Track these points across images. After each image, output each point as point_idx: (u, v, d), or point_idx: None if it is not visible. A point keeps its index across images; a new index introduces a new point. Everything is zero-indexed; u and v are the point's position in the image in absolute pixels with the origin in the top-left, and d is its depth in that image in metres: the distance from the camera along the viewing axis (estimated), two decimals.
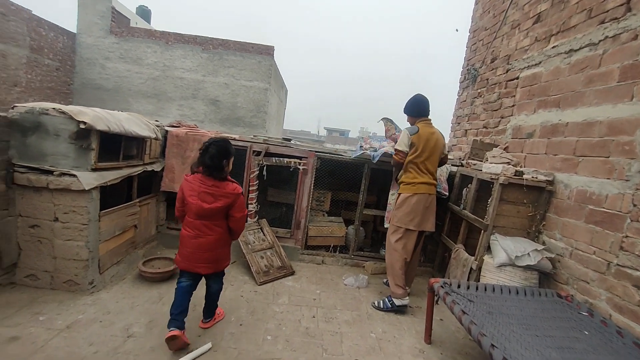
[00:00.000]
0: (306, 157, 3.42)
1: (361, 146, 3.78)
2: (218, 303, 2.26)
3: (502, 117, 3.59)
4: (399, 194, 2.77)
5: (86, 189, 2.20)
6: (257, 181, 3.43)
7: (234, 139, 3.42)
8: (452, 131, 4.89)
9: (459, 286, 2.17)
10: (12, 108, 2.19)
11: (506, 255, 2.41)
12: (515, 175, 2.62)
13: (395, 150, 2.74)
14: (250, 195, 3.43)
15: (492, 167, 2.83)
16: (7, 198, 2.25)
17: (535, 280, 2.40)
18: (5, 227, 2.24)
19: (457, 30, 6.14)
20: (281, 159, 3.41)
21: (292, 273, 3.13)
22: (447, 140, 5.09)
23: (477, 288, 2.18)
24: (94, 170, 2.32)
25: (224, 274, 2.22)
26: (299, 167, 3.37)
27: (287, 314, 2.44)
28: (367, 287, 3.05)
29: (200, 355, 1.90)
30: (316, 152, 3.44)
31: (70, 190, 2.23)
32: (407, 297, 2.67)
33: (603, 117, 2.28)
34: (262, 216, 3.59)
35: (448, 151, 2.93)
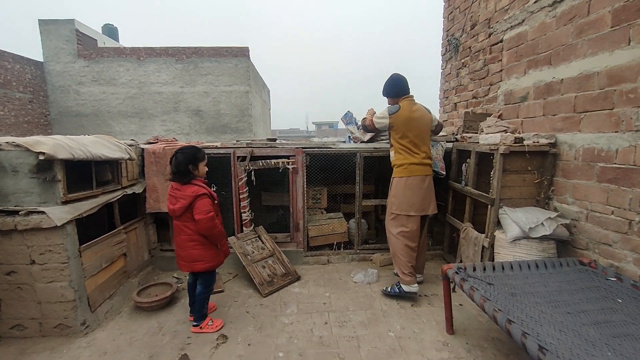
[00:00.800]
0: (294, 155, 3.24)
1: (349, 136, 3.62)
2: (220, 316, 2.31)
3: (491, 84, 3.43)
4: (393, 178, 2.63)
5: (58, 224, 2.01)
6: (247, 187, 3.25)
7: (215, 147, 3.23)
8: (440, 106, 4.73)
9: (474, 269, 2.03)
10: None
11: (519, 228, 2.27)
12: (515, 142, 2.47)
13: (372, 119, 2.66)
14: (242, 203, 3.25)
15: (490, 137, 2.68)
16: None
17: (553, 250, 2.27)
18: None
19: None
20: (268, 161, 3.22)
21: (298, 278, 2.98)
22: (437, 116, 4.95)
23: (494, 268, 2.04)
24: (65, 202, 2.12)
25: (208, 279, 2.25)
26: (287, 166, 3.19)
27: (298, 324, 2.29)
28: (378, 282, 2.91)
29: None
30: (303, 148, 3.26)
31: (41, 229, 2.03)
32: (417, 285, 2.56)
33: (600, 67, 2.13)
34: (258, 223, 3.42)
35: (439, 121, 2.80)
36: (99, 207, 2.38)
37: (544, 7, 2.63)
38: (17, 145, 1.96)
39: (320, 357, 1.94)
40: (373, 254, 3.37)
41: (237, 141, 3.52)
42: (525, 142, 2.46)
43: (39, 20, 11.86)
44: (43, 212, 2.01)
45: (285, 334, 2.18)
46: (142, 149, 3.06)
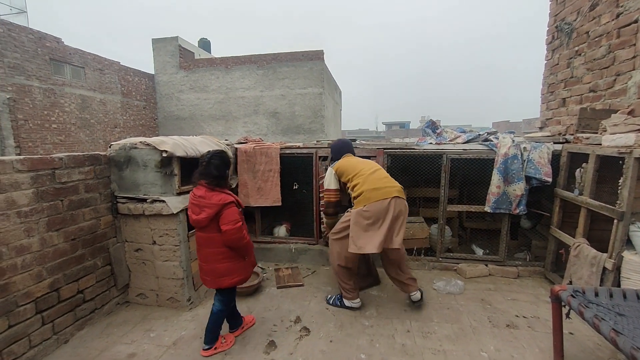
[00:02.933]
0: (374, 156, 3.19)
1: (436, 131, 3.41)
2: (301, 309, 2.21)
3: (618, 75, 2.85)
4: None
5: (174, 212, 2.34)
6: None
7: (298, 147, 3.38)
8: (543, 102, 4.12)
9: (596, 294, 1.71)
10: (109, 147, 2.46)
11: None
12: None
13: (325, 190, 2.52)
14: (322, 202, 3.33)
15: (618, 138, 2.23)
16: (114, 227, 2.53)
17: None
18: (116, 252, 2.52)
19: None
20: None
21: (378, 282, 2.93)
22: (539, 115, 4.34)
23: (625, 296, 1.68)
24: (179, 194, 2.47)
25: (229, 296, 2.03)
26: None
27: (378, 328, 2.25)
28: (463, 294, 2.68)
29: None
30: (385, 149, 3.19)
31: (161, 215, 2.40)
32: (359, 300, 2.46)
33: None
34: None
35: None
36: None
37: None
38: (147, 145, 2.35)
39: None
40: (457, 263, 3.12)
41: (317, 141, 3.63)
42: None
43: (152, 39, 14.08)
44: (163, 201, 2.37)
45: (365, 336, 2.16)
46: (236, 149, 3.37)
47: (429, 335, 2.15)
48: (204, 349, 2.00)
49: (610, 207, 2.17)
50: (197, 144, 2.60)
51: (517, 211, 2.83)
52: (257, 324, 2.33)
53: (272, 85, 13.96)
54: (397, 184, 2.32)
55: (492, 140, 3.01)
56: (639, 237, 1.99)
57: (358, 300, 2.48)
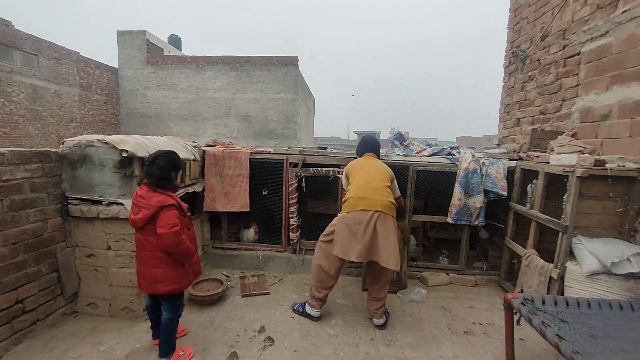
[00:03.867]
0: (344, 165, 3.24)
1: (404, 144, 3.53)
2: (266, 319, 2.15)
3: (564, 100, 3.16)
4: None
5: None
6: (297, 193, 3.32)
7: (269, 152, 3.35)
8: (501, 121, 4.45)
9: (543, 302, 1.84)
10: (62, 143, 2.27)
11: (597, 262, 2.04)
12: (595, 165, 2.24)
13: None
14: (291, 209, 3.32)
15: (563, 157, 2.45)
16: (64, 230, 2.33)
17: None
18: (65, 257, 2.32)
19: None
20: (319, 168, 3.26)
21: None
22: (496, 132, 4.67)
23: (567, 303, 1.83)
24: None
25: (175, 304, 1.91)
26: (338, 175, 3.20)
27: (343, 337, 2.25)
28: (425, 302, 2.77)
29: None
30: (354, 158, 3.25)
31: (118, 219, 2.25)
32: (319, 311, 2.44)
33: None
34: (303, 229, 3.46)
35: (399, 196, 2.58)
36: None
37: (636, 17, 2.38)
38: (106, 143, 2.20)
39: None
40: (421, 272, 3.23)
41: (288, 147, 3.61)
42: (607, 166, 2.22)
43: (117, 31, 13.35)
44: (121, 204, 2.23)
45: (330, 345, 2.16)
46: (204, 151, 3.26)
47: (392, 343, 2.20)
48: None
49: (556, 220, 2.37)
50: (161, 145, 2.48)
51: (477, 222, 3.00)
52: (219, 334, 2.24)
53: (245, 88, 13.76)
54: (387, 198, 2.24)
55: (454, 155, 3.18)
56: (579, 249, 2.18)
57: (319, 311, 2.44)
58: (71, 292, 2.38)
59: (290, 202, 3.31)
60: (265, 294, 2.83)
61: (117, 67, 13.61)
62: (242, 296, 2.78)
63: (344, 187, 2.56)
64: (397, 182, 2.83)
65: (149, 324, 2.23)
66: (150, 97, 13.89)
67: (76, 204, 2.29)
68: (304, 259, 3.31)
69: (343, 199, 2.38)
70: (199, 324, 2.36)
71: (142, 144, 2.30)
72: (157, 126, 13.85)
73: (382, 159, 3.17)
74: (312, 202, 4.12)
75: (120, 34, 13.39)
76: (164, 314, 1.90)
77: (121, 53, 13.52)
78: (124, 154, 2.16)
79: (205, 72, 13.64)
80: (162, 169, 1.81)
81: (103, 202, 2.25)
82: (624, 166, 2.22)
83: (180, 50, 18.96)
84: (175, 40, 19.07)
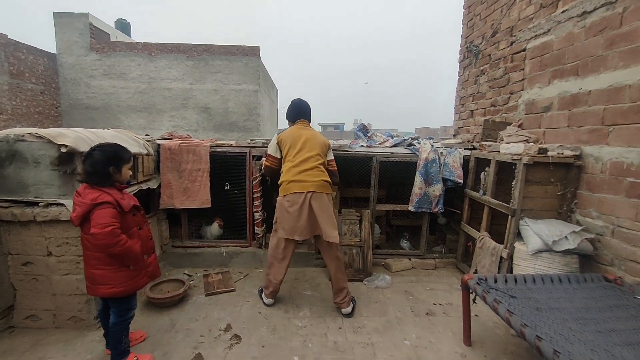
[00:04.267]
0: None
1: (367, 135, 3.58)
2: (231, 317, 2.10)
3: (512, 93, 3.39)
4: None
5: None
6: (261, 187, 3.23)
7: (230, 145, 3.22)
8: (456, 113, 4.69)
9: (495, 281, 1.99)
10: None
11: (541, 241, 2.23)
12: (539, 153, 2.43)
13: (267, 155, 2.54)
14: (255, 203, 3.23)
15: (511, 146, 2.64)
16: None
17: (576, 265, 2.22)
18: None
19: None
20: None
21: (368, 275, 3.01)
22: (451, 123, 4.91)
23: (515, 280, 1.99)
24: None
25: (121, 307, 1.80)
26: None
27: (311, 328, 2.26)
28: (390, 288, 2.87)
29: None
30: None
31: (60, 221, 2.02)
32: (272, 301, 2.53)
33: (633, 80, 2.09)
34: (269, 224, 3.39)
35: (333, 161, 2.60)
36: None
37: (572, 17, 2.59)
38: (40, 137, 1.95)
39: None
40: (385, 259, 3.33)
41: (251, 140, 3.50)
42: (549, 153, 2.42)
43: (54, 12, 11.99)
44: (62, 205, 2.01)
45: (299, 337, 2.15)
46: (158, 145, 3.05)
47: (359, 330, 2.24)
48: None
49: (506, 205, 2.55)
50: (107, 138, 2.25)
51: (436, 210, 3.15)
52: (182, 336, 2.13)
53: (203, 78, 13.08)
54: (319, 177, 2.33)
55: (415, 145, 3.29)
56: (525, 230, 2.38)
57: (272, 300, 2.54)
58: (5, 305, 2.11)
59: (255, 195, 3.22)
60: (231, 290, 2.74)
61: (55, 53, 12.22)
62: (206, 295, 2.66)
63: (271, 152, 2.47)
64: (360, 172, 2.83)
65: (102, 332, 2.06)
66: (96, 87, 12.69)
67: (6, 207, 2.02)
68: None
69: (281, 179, 2.40)
70: (158, 327, 2.22)
71: (85, 138, 2.08)
72: (105, 119, 12.74)
73: (346, 151, 3.19)
74: (277, 195, 4.05)
75: (58, 15, 12.01)
76: (111, 317, 1.80)
77: (60, 38, 12.15)
78: (63, 150, 1.93)
79: (158, 61, 12.74)
80: (96, 164, 1.66)
81: (40, 204, 2.01)
82: (562, 153, 2.44)
83: (130, 36, 17.50)
84: (123, 25, 17.53)
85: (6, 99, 10.41)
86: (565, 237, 2.17)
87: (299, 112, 2.55)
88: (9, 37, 10.39)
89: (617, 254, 2.12)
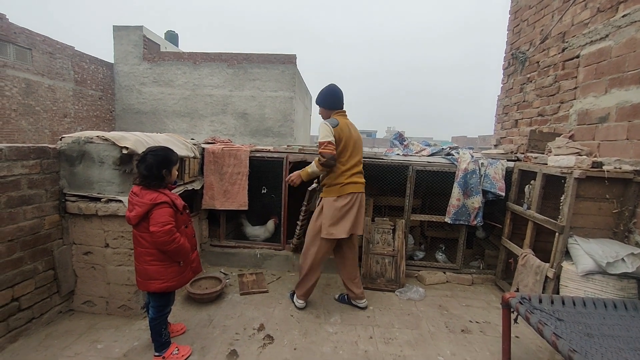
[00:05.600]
0: None
1: (403, 143, 3.55)
2: (265, 317, 2.16)
3: (562, 102, 3.19)
4: (321, 198, 2.49)
5: None
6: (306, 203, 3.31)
7: (269, 151, 3.34)
8: (498, 122, 4.49)
9: (540, 301, 1.87)
10: (60, 139, 2.25)
11: (593, 262, 2.07)
12: (592, 167, 2.27)
13: (322, 143, 2.31)
14: (302, 212, 3.31)
15: (561, 159, 2.48)
16: (61, 227, 2.30)
17: (634, 290, 2.03)
18: (61, 255, 2.29)
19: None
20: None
21: (402, 286, 3.00)
22: (492, 132, 4.70)
23: (563, 302, 1.86)
24: None
25: (161, 302, 1.90)
26: None
27: (342, 335, 2.27)
28: (423, 300, 2.79)
29: None
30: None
31: (117, 216, 2.23)
32: (303, 302, 2.60)
33: None
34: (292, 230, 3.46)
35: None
36: None
37: (636, 21, 2.40)
38: (106, 140, 2.18)
39: None
40: (419, 271, 3.25)
41: (288, 146, 3.61)
42: (605, 167, 2.25)
43: (113, 26, 13.20)
44: (120, 201, 2.21)
45: (330, 343, 2.17)
46: (203, 149, 3.25)
47: (391, 342, 2.21)
48: (155, 356, 1.91)
49: (553, 221, 2.40)
50: (161, 142, 2.46)
51: (475, 222, 3.03)
52: (218, 332, 2.23)
53: (242, 85, 13.68)
54: (363, 179, 2.52)
55: (453, 155, 3.20)
56: (575, 249, 2.22)
57: (303, 302, 2.60)
58: (67, 290, 2.36)
59: (303, 205, 3.30)
60: (264, 292, 2.83)
61: (112, 62, 13.45)
62: (241, 294, 2.77)
63: (332, 141, 2.31)
64: (396, 181, 2.81)
65: (146, 322, 2.22)
66: (146, 93, 13.76)
67: (74, 201, 2.26)
68: None
69: (329, 181, 2.42)
70: (197, 322, 2.35)
71: (142, 141, 2.28)
72: (152, 122, 13.74)
73: (382, 159, 3.19)
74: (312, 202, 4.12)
75: (117, 29, 13.25)
76: (150, 311, 1.91)
77: (117, 49, 13.37)
78: (124, 151, 2.14)
79: (202, 69, 13.55)
80: (151, 168, 1.78)
81: (102, 199, 2.23)
82: (620, 168, 2.25)
83: (177, 47, 18.80)
84: (172, 36, 18.90)
85: (70, 103, 11.61)
86: (622, 259, 1.99)
87: (338, 100, 2.49)
88: (75, 48, 11.61)
89: None
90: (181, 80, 13.65)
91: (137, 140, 2.22)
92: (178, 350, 1.96)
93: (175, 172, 1.92)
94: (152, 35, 14.32)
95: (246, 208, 3.29)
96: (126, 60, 13.45)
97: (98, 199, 2.25)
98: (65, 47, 11.18)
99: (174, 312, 2.47)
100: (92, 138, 2.20)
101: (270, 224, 3.59)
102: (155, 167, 1.78)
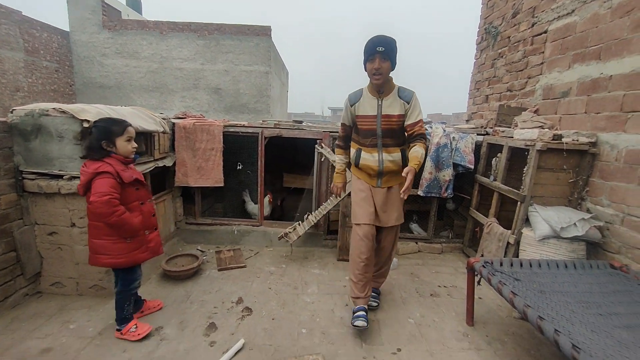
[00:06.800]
0: (321, 139, 3.24)
1: None
2: (244, 291, 2.20)
3: (529, 77, 3.30)
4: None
5: None
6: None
7: (243, 126, 3.26)
8: (470, 98, 4.60)
9: (501, 264, 2.03)
10: (11, 112, 2.06)
11: (549, 227, 2.24)
12: (553, 139, 2.40)
13: (422, 121, 2.02)
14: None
15: (525, 132, 2.61)
16: (20, 207, 2.17)
17: (582, 252, 2.23)
18: (23, 236, 2.17)
19: None
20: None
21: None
22: (465, 109, 4.82)
23: (521, 264, 2.03)
24: None
25: (125, 278, 1.89)
26: (320, 149, 3.18)
27: (319, 304, 2.36)
28: (397, 269, 2.93)
29: (235, 354, 1.82)
30: (330, 132, 3.25)
31: None
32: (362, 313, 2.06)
33: None
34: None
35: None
36: None
37: None
38: (63, 112, 2.02)
39: (342, 336, 2.00)
40: None
41: (263, 121, 3.53)
42: (564, 140, 2.39)
43: None
44: None
45: (307, 312, 2.25)
46: (173, 124, 3.11)
47: None
48: (116, 330, 1.93)
49: (516, 191, 2.55)
50: (126, 115, 2.31)
51: (446, 195, 3.16)
52: (196, 307, 2.25)
53: (214, 58, 12.98)
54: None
55: (427, 130, 3.26)
56: (534, 216, 2.38)
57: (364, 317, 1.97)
58: (33, 272, 2.26)
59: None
60: (242, 267, 2.86)
61: (68, 30, 12.26)
62: (219, 270, 2.78)
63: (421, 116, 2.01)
64: None
65: None
66: (109, 66, 12.76)
67: (33, 179, 2.12)
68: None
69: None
70: (175, 298, 2.35)
71: (105, 114, 2.14)
72: (118, 98, 12.87)
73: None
74: (288, 177, 4.12)
75: None
76: (118, 285, 1.91)
77: (72, 15, 12.15)
78: (85, 125, 2.00)
79: (170, 40, 12.66)
80: (92, 140, 1.74)
81: (64, 177, 2.10)
82: (577, 140, 2.40)
83: (141, 14, 17.37)
84: (134, 3, 17.39)
85: (22, 76, 10.59)
86: (574, 224, 2.18)
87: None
88: (23, 13, 10.43)
89: (625, 242, 2.12)
90: (147, 52, 12.72)
91: (99, 113, 2.08)
92: (136, 327, 1.93)
93: (123, 144, 1.80)
94: (111, 1, 13.10)
95: (222, 184, 3.24)
96: (83, 28, 12.29)
97: (60, 177, 2.12)
98: (10, 12, 10.01)
99: (150, 290, 2.45)
100: (47, 110, 2.03)
101: (265, 200, 3.56)
102: (95, 139, 1.74)
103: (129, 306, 1.93)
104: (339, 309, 2.30)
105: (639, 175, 2.05)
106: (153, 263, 2.76)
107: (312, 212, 3.15)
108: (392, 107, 1.99)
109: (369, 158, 2.08)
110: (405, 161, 2.06)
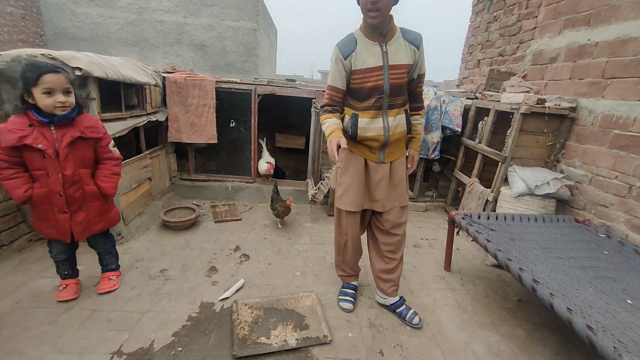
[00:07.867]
0: (314, 98, 3.26)
1: None
2: (240, 241, 2.30)
3: (521, 42, 3.35)
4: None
5: None
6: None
7: (236, 82, 3.23)
8: (463, 62, 4.62)
9: (479, 217, 2.23)
10: None
11: (525, 185, 2.44)
12: (537, 103, 2.52)
13: None
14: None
15: (512, 96, 2.72)
16: None
17: (552, 207, 2.46)
18: None
19: None
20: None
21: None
22: (457, 73, 4.85)
23: (497, 218, 2.24)
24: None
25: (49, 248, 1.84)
26: (316, 107, 3.21)
27: (312, 252, 2.55)
28: None
29: (237, 290, 2.00)
30: (325, 92, 3.26)
31: None
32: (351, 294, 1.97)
33: (639, 33, 2.11)
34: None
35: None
36: (129, 129, 2.46)
37: None
38: (53, 59, 1.96)
39: (333, 278, 2.21)
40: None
41: (255, 79, 3.49)
42: (546, 104, 2.52)
43: None
44: None
45: (300, 259, 2.44)
46: (164, 78, 3.04)
47: None
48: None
49: (499, 152, 2.72)
50: (117, 66, 2.27)
51: (433, 156, 3.31)
52: (197, 253, 2.40)
53: (197, 11, 12.08)
54: None
55: None
56: (513, 176, 2.57)
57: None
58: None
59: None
60: (238, 219, 2.99)
61: None
62: (215, 222, 2.91)
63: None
64: None
65: (124, 247, 2.32)
66: (82, 15, 11.71)
67: None
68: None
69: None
70: (175, 245, 2.49)
71: (97, 63, 2.09)
72: (94, 51, 11.84)
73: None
74: (280, 137, 4.16)
75: None
76: None
77: None
78: (78, 73, 1.96)
79: None
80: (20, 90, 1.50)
81: None
82: (559, 105, 2.53)
83: None
84: None
85: None
86: (547, 182, 2.38)
87: None
88: None
89: (590, 199, 2.35)
90: (123, 1, 11.74)
91: (91, 61, 2.03)
92: (64, 288, 1.87)
93: (39, 97, 1.47)
94: None
95: (215, 141, 3.26)
96: None
97: None
98: None
99: (150, 238, 2.57)
100: (36, 57, 1.96)
101: (266, 166, 3.55)
102: (20, 88, 1.50)
103: (61, 269, 1.87)
104: (330, 256, 2.50)
105: (610, 138, 2.23)
106: (151, 215, 2.86)
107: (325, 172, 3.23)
108: (399, 54, 1.51)
109: (371, 126, 1.58)
110: (409, 126, 1.69)
